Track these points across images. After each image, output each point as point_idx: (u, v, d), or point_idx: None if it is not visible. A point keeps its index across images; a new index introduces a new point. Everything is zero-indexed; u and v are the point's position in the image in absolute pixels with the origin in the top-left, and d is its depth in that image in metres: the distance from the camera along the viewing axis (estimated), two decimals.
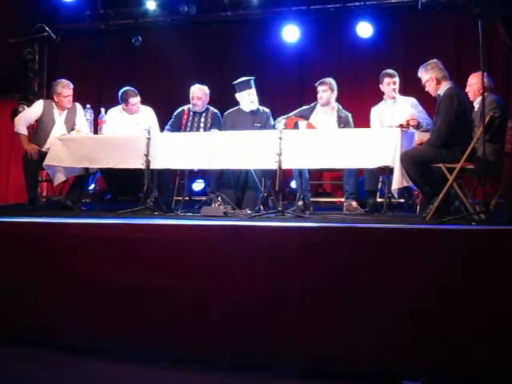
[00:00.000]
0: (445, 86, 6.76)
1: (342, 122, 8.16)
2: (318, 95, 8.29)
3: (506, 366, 4.35)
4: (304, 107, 8.41)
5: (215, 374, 4.72)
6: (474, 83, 7.02)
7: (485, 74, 6.39)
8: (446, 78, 6.79)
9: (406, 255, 4.67)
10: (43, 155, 7.91)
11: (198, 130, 8.50)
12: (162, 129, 8.54)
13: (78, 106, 8.41)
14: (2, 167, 10.28)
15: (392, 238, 4.88)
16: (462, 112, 6.58)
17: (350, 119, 8.28)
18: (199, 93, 8.59)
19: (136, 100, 8.51)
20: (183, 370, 4.86)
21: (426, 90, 6.95)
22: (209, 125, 8.50)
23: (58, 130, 8.19)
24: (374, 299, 4.66)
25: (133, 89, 8.57)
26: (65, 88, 8.28)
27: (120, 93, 8.58)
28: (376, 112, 8.26)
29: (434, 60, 6.85)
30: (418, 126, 7.47)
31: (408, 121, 7.39)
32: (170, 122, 8.67)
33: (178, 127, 8.58)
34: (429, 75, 6.83)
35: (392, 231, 5.07)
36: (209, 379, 4.68)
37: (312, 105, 8.38)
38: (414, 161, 6.58)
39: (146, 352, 5.06)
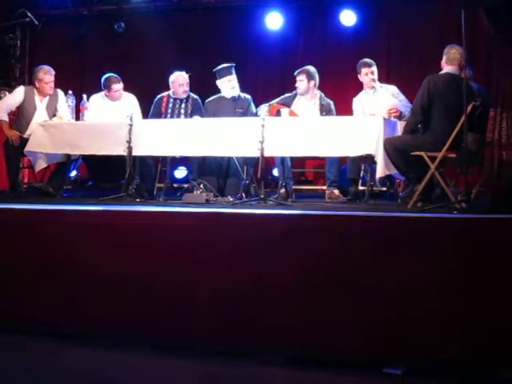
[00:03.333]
0: (443, 71, 6.76)
1: (324, 110, 8.17)
2: (296, 85, 8.30)
3: (492, 355, 4.38)
4: (286, 95, 8.41)
5: (199, 362, 4.71)
6: None
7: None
8: (451, 64, 6.74)
9: (388, 243, 4.67)
10: (25, 141, 7.88)
11: (179, 116, 8.49)
12: (144, 116, 8.52)
13: (60, 92, 8.39)
14: None
15: (374, 226, 4.89)
16: (437, 94, 6.55)
17: (332, 107, 8.29)
18: (185, 80, 8.58)
19: (119, 87, 8.49)
20: (167, 357, 4.85)
21: None
22: (189, 111, 8.50)
23: (40, 116, 8.17)
24: (356, 287, 4.66)
25: (115, 75, 8.56)
26: (46, 74, 8.25)
27: (103, 79, 8.56)
28: (358, 102, 8.26)
29: (458, 47, 6.77)
30: (400, 116, 7.48)
31: (390, 112, 7.41)
32: (150, 112, 8.65)
33: (158, 115, 8.55)
34: (444, 55, 6.81)
35: (374, 219, 5.08)
36: (193, 366, 4.67)
37: (293, 93, 8.38)
38: (396, 148, 6.60)
39: (130, 339, 5.05)
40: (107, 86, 8.50)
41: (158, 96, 8.75)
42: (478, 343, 4.40)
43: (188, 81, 8.58)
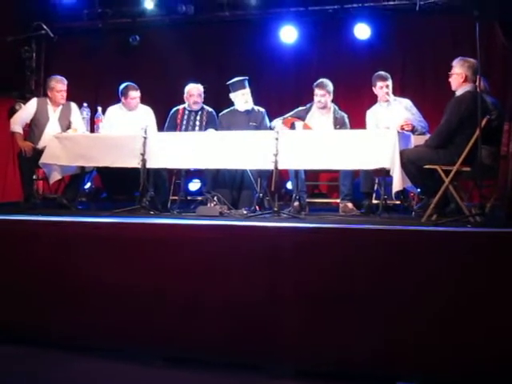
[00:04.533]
0: (465, 88, 6.65)
1: (338, 123, 8.18)
2: (316, 98, 8.30)
3: (503, 369, 4.36)
4: (300, 108, 8.42)
5: (208, 374, 4.71)
6: None
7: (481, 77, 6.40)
8: (471, 81, 6.68)
9: (402, 257, 4.66)
10: (38, 152, 7.91)
11: (193, 128, 8.56)
12: (159, 128, 8.56)
13: (74, 105, 8.44)
14: (0, 165, 10.26)
15: (388, 239, 4.87)
16: (468, 117, 6.47)
17: (346, 120, 8.30)
18: (199, 91, 8.68)
19: (136, 94, 8.58)
20: (176, 369, 4.84)
21: (450, 79, 6.87)
22: (204, 123, 8.56)
23: (52, 126, 8.23)
24: (369, 300, 4.65)
25: (133, 84, 8.62)
26: (58, 83, 8.33)
27: (121, 87, 8.65)
28: (371, 115, 8.25)
29: (475, 61, 6.68)
30: (412, 131, 7.47)
31: (402, 126, 7.39)
32: (166, 125, 8.70)
33: (173, 127, 8.61)
34: (461, 70, 6.69)
35: (388, 232, 5.06)
36: (201, 378, 4.67)
37: (307, 106, 8.39)
38: (411, 160, 6.57)
39: (139, 351, 5.05)
40: (124, 93, 8.58)
41: (174, 109, 8.82)
42: (494, 357, 4.38)
43: (201, 93, 8.65)
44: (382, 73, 8.17)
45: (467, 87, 6.65)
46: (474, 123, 6.23)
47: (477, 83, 6.67)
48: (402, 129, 7.33)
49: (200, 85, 8.71)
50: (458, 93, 6.71)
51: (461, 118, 6.47)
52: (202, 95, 8.71)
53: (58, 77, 8.43)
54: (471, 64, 6.69)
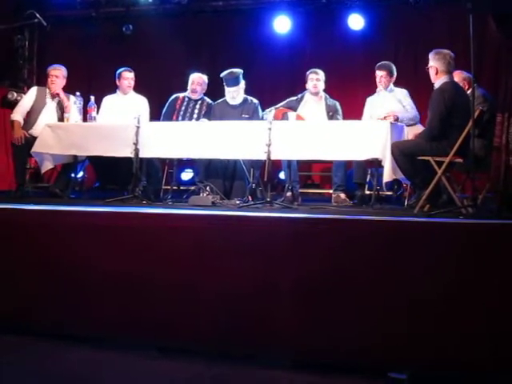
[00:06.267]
0: (441, 80, 6.66)
1: (331, 110, 8.23)
2: (311, 84, 8.35)
3: (494, 361, 4.37)
4: (291, 98, 8.44)
5: (202, 364, 4.71)
6: (457, 81, 6.99)
7: (464, 70, 6.44)
8: (447, 72, 6.67)
9: (394, 248, 4.67)
10: (31, 141, 7.88)
11: (191, 116, 8.60)
12: (152, 117, 8.57)
13: (72, 97, 8.41)
14: None
15: (380, 230, 4.88)
16: (452, 106, 6.50)
17: (338, 106, 8.36)
18: (200, 80, 8.73)
19: (129, 75, 8.72)
20: (170, 359, 4.85)
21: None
22: (202, 113, 8.54)
23: (48, 113, 8.30)
24: (362, 291, 4.66)
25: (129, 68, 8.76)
26: (50, 69, 8.52)
27: (117, 72, 8.74)
28: (369, 103, 8.27)
29: (446, 51, 6.73)
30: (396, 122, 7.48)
31: (386, 117, 7.41)
32: (164, 110, 8.74)
33: (171, 113, 8.64)
34: (432, 63, 6.73)
35: (380, 223, 5.06)
36: (195, 368, 4.67)
37: (299, 96, 8.42)
38: (403, 153, 6.57)
39: (133, 341, 5.05)
40: (118, 75, 8.72)
41: (175, 95, 8.89)
42: (488, 348, 4.40)
43: (201, 82, 8.75)
44: (381, 62, 8.20)
45: (443, 79, 6.67)
46: (464, 114, 6.24)
47: (453, 73, 6.75)
48: (385, 119, 7.36)
49: (203, 75, 8.80)
50: (436, 85, 6.72)
51: (447, 107, 6.47)
52: (204, 85, 8.79)
53: (56, 65, 8.52)
54: (441, 56, 6.70)
